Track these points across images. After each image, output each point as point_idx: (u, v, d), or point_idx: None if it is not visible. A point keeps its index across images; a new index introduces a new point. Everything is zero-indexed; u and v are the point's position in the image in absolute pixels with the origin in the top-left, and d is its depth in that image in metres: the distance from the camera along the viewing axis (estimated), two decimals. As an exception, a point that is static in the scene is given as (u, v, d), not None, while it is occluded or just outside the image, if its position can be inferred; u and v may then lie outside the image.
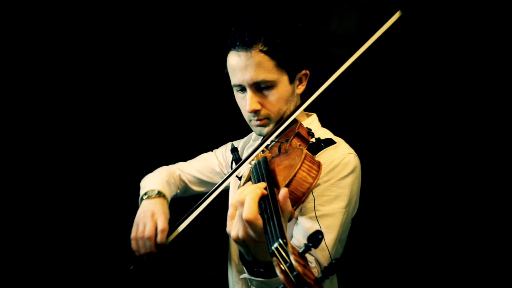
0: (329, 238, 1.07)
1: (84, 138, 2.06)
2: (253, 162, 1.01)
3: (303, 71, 1.22)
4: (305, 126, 1.16)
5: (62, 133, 2.00)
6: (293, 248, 0.65)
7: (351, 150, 1.17)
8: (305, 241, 0.76)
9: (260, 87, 1.14)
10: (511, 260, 1.82)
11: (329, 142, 1.15)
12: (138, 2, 2.01)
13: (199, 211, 1.13)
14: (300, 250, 0.64)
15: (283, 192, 0.78)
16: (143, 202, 1.28)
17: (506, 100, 1.81)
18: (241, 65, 1.11)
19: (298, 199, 0.86)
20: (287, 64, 1.14)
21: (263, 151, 1.07)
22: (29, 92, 1.91)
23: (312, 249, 0.84)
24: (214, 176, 1.54)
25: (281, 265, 0.63)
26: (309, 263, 1.03)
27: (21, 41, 1.84)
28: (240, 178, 1.13)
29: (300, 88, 1.24)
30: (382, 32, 1.06)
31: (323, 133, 1.26)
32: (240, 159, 1.24)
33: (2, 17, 1.77)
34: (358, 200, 1.20)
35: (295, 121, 1.15)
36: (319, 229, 1.01)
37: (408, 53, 1.93)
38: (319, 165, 0.90)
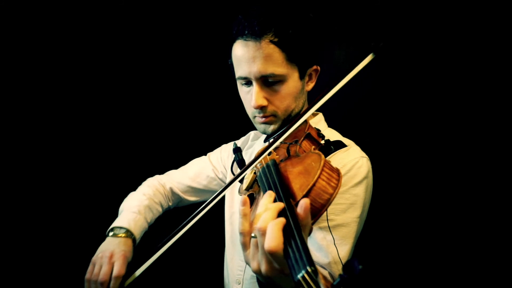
0: (344, 249, 0.98)
1: (83, 139, 2.01)
2: (259, 166, 0.90)
3: (314, 67, 1.12)
4: (314, 127, 1.05)
5: (62, 133, 1.96)
6: (324, 279, 0.54)
7: (363, 154, 1.09)
8: (338, 270, 0.65)
9: (268, 82, 1.04)
10: (506, 258, 1.83)
11: (339, 145, 1.06)
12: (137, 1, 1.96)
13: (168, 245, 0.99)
14: (334, 282, 0.53)
15: (304, 204, 0.65)
16: (107, 239, 1.14)
17: (507, 102, 1.80)
18: (249, 56, 1.01)
19: (317, 212, 0.73)
20: (299, 57, 1.04)
21: (270, 153, 0.95)
22: (28, 92, 1.86)
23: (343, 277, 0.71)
24: (209, 183, 1.40)
25: None
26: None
27: (21, 41, 1.80)
28: (242, 181, 1.01)
29: (310, 85, 1.15)
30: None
31: (330, 134, 1.17)
32: (243, 161, 1.13)
33: (2, 17, 1.74)
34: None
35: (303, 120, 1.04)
36: (332, 240, 0.93)
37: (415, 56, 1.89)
38: (338, 173, 0.78)
